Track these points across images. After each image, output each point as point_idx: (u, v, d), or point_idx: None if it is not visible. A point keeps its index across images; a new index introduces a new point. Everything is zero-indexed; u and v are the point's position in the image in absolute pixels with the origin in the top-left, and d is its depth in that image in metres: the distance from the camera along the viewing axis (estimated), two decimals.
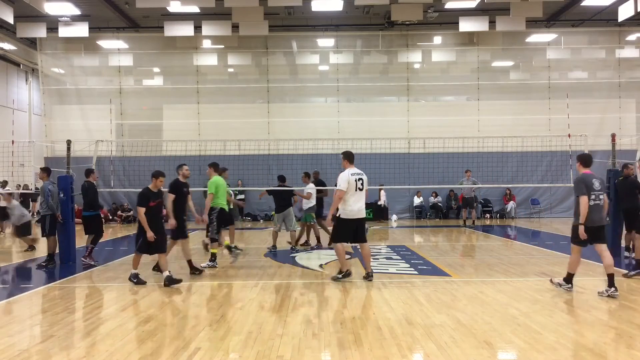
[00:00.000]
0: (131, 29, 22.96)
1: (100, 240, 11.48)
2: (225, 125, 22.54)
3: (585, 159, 8.11)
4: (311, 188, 13.26)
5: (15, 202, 14.17)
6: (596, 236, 7.71)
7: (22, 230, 13.45)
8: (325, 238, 12.93)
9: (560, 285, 8.02)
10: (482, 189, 20.96)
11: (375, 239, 15.41)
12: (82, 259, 10.90)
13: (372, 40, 23.57)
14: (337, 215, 8.83)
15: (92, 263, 10.82)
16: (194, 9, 18.57)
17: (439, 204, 22.92)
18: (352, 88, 23.80)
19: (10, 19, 17.53)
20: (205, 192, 11.06)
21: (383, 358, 5.08)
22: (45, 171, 11.22)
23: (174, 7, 17.86)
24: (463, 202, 19.82)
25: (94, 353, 5.31)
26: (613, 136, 12.36)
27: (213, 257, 10.56)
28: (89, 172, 11.46)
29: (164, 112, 24.01)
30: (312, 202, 13.24)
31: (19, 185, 21.06)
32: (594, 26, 23.06)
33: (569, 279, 7.94)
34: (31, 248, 13.42)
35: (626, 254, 10.88)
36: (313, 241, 13.64)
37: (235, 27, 19.46)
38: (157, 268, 9.78)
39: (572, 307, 6.99)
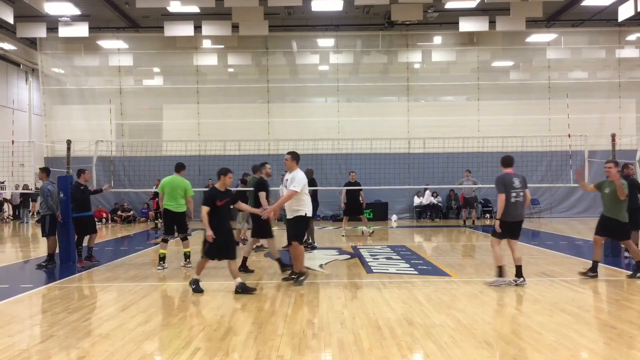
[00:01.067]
0: (131, 29, 22.96)
1: (95, 242, 11.47)
2: (225, 125, 22.53)
3: (505, 160, 8.64)
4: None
5: None
6: (512, 231, 8.44)
7: None
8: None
9: (497, 282, 8.31)
10: (482, 189, 20.95)
11: (375, 239, 15.41)
12: (79, 264, 10.74)
13: (372, 40, 23.57)
14: (304, 214, 8.66)
15: (92, 263, 10.81)
16: (194, 9, 18.57)
17: (439, 204, 22.90)
18: (352, 88, 23.79)
19: (10, 19, 17.53)
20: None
21: (383, 358, 5.08)
22: (45, 171, 11.22)
23: (174, 7, 17.86)
24: (464, 202, 19.82)
25: (94, 353, 5.31)
26: (613, 136, 12.36)
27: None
28: (80, 172, 11.22)
29: (164, 112, 24.00)
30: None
31: (17, 185, 21.07)
32: (594, 26, 23.05)
33: (500, 272, 8.34)
34: None
35: (626, 254, 10.86)
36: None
37: (235, 27, 19.46)
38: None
39: (572, 307, 6.98)
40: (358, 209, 15.70)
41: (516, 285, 8.18)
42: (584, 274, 8.89)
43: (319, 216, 22.08)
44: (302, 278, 8.68)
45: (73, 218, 10.94)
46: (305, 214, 8.63)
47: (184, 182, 10.51)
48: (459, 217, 22.73)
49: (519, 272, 8.30)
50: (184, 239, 10.82)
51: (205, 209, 7.92)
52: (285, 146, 20.90)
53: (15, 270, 11.16)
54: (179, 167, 10.71)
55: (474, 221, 19.53)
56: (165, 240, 10.45)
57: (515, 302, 7.31)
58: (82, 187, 10.97)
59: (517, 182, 8.35)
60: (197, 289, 8.11)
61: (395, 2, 18.09)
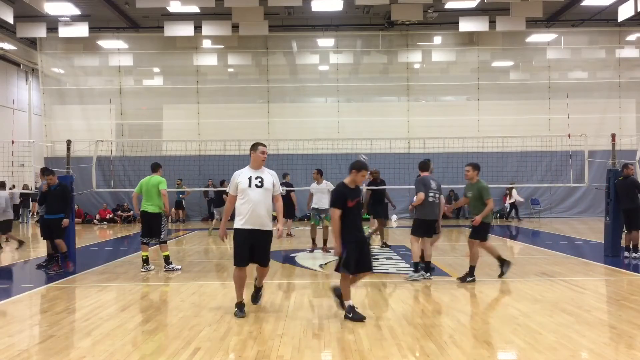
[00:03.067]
0: (131, 29, 22.96)
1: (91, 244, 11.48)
2: (225, 125, 22.52)
3: (421, 165, 9.19)
4: (314, 188, 12.56)
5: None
6: (428, 230, 9.07)
7: (3, 227, 13.35)
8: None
9: (417, 277, 8.79)
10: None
11: (375, 239, 15.40)
12: (49, 271, 10.10)
13: (372, 40, 23.57)
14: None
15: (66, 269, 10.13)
16: (194, 9, 18.56)
17: None
18: (352, 88, 23.79)
19: (10, 19, 17.52)
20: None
21: (383, 358, 5.08)
22: (45, 171, 11.20)
23: (174, 7, 17.86)
24: None
25: (94, 353, 5.31)
26: (613, 136, 12.36)
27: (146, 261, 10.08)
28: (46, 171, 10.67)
29: (164, 112, 24.00)
30: (316, 202, 12.42)
31: (14, 185, 21.06)
32: (594, 26, 23.04)
33: (416, 267, 8.92)
34: (19, 244, 13.44)
35: (626, 254, 10.88)
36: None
37: (235, 27, 19.45)
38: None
39: (572, 307, 6.98)
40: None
41: (424, 279, 8.81)
42: (460, 279, 8.76)
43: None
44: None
45: (47, 219, 10.32)
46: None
47: (157, 179, 9.97)
48: (459, 217, 22.76)
49: (427, 267, 8.97)
50: (162, 242, 10.04)
51: (336, 213, 6.34)
52: (285, 146, 20.99)
53: (15, 270, 11.16)
54: (155, 167, 10.22)
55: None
56: (145, 243, 10.06)
57: (515, 302, 7.31)
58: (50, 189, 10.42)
59: (433, 185, 8.94)
60: (356, 317, 6.30)
61: (395, 2, 18.09)
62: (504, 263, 8.97)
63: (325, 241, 12.38)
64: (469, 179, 8.99)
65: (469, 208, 9.44)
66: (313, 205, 12.41)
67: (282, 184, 16.32)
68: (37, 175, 19.89)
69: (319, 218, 12.38)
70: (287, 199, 14.45)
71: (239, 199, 6.65)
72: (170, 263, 10.06)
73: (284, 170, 17.67)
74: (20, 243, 13.48)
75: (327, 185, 12.34)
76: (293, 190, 15.36)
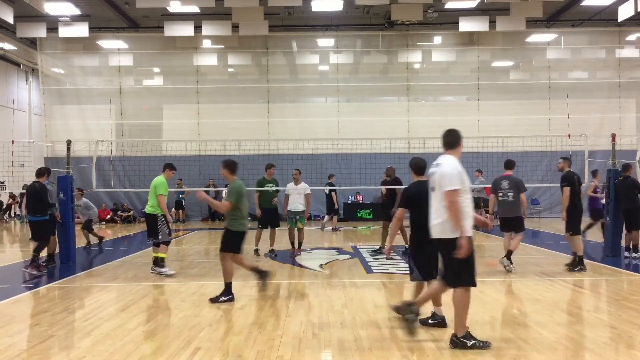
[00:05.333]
0: (131, 29, 22.95)
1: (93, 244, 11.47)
2: (225, 125, 22.51)
3: (506, 164, 9.93)
4: (292, 189, 12.06)
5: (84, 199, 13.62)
6: (503, 226, 10.03)
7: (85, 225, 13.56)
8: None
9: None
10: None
11: (375, 239, 15.40)
12: (24, 268, 10.06)
13: (372, 40, 23.56)
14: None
15: (36, 273, 9.81)
16: (194, 9, 18.55)
17: None
18: (352, 88, 23.78)
19: (10, 19, 17.52)
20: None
21: (383, 358, 5.08)
22: (45, 172, 11.20)
23: (174, 7, 17.85)
24: (474, 202, 19.86)
25: (94, 353, 5.31)
26: (613, 136, 12.36)
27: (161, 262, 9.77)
28: (42, 172, 10.64)
29: (164, 112, 23.99)
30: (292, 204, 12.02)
31: (4, 186, 21.09)
32: (594, 26, 23.03)
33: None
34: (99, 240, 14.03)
35: (626, 254, 10.88)
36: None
37: (235, 27, 19.44)
38: (157, 266, 9.71)
39: (572, 307, 6.98)
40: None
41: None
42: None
43: (318, 216, 22.09)
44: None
45: (33, 222, 10.23)
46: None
47: (158, 180, 9.60)
48: None
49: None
50: (156, 245, 9.67)
51: (400, 212, 6.22)
52: (285, 146, 20.97)
53: (15, 270, 11.16)
54: (163, 167, 9.88)
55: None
56: (155, 244, 9.77)
57: (515, 302, 7.31)
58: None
59: (504, 184, 9.25)
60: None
61: (395, 2, 18.08)
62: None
63: (300, 244, 12.12)
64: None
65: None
66: (289, 208, 11.93)
67: (326, 184, 17.61)
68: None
69: (295, 220, 11.91)
70: (329, 197, 17.78)
71: None
72: (163, 266, 9.57)
73: (284, 170, 17.69)
74: (100, 239, 14.15)
75: (304, 187, 11.98)
76: (334, 190, 17.77)
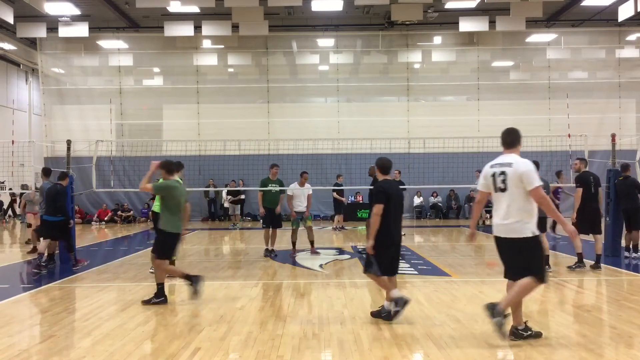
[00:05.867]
0: (131, 29, 22.95)
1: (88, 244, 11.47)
2: (225, 125, 22.52)
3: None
4: (297, 190, 11.99)
5: None
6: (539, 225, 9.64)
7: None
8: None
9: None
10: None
11: None
12: (75, 268, 10.43)
13: (372, 40, 23.56)
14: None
15: (37, 271, 9.96)
16: (194, 9, 18.56)
17: (439, 204, 22.93)
18: (352, 88, 23.78)
19: (10, 19, 17.51)
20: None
21: (383, 358, 5.08)
22: (44, 172, 11.21)
23: (174, 7, 17.84)
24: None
25: (94, 353, 5.31)
26: (613, 136, 12.36)
27: None
28: (64, 175, 10.91)
29: (164, 112, 24.00)
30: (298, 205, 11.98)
31: (3, 186, 21.10)
32: (594, 26, 23.04)
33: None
34: None
35: (626, 254, 10.87)
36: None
37: (235, 27, 19.44)
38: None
39: (572, 307, 6.98)
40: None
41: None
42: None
43: (318, 216, 22.11)
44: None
45: (49, 221, 10.43)
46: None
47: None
48: (459, 217, 22.76)
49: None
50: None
51: (378, 208, 6.26)
52: (285, 146, 20.98)
53: (15, 270, 11.16)
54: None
55: (484, 221, 19.58)
56: None
57: None
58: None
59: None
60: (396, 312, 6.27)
61: (395, 2, 18.08)
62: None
63: (312, 242, 12.13)
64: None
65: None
66: (295, 209, 11.83)
67: (334, 185, 17.59)
68: (37, 176, 19.88)
69: (299, 221, 11.90)
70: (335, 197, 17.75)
71: None
72: None
73: (284, 170, 17.67)
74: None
75: (308, 188, 11.98)
76: (338, 190, 17.67)
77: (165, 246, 7.55)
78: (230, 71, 24.72)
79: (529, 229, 5.35)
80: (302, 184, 11.91)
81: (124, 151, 22.73)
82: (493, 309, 5.38)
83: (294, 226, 11.90)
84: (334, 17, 21.72)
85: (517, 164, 5.42)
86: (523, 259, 5.39)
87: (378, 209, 6.22)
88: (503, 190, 5.44)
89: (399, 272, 9.78)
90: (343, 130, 22.59)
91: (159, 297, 7.42)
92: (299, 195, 11.89)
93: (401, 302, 6.28)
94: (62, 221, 10.49)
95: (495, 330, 5.39)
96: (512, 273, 5.58)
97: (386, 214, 6.23)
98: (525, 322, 5.56)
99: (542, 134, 21.18)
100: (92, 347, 5.50)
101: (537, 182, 5.33)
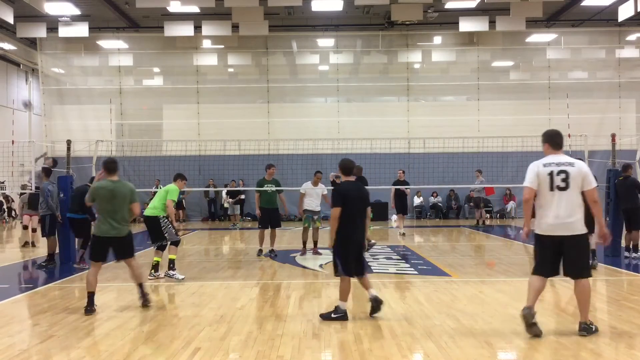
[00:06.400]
0: (131, 29, 22.95)
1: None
2: (225, 125, 22.53)
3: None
4: (310, 189, 11.98)
5: None
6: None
7: None
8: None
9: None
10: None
11: (375, 239, 15.39)
12: (75, 265, 10.62)
13: (372, 40, 23.56)
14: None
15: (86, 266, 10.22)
16: (194, 9, 18.56)
17: (439, 204, 22.93)
18: (352, 88, 23.79)
19: (10, 19, 17.52)
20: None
21: (383, 358, 5.08)
22: (45, 171, 11.21)
23: (174, 7, 17.85)
24: (474, 202, 20.00)
25: (94, 353, 5.31)
26: (613, 136, 12.36)
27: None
28: (92, 179, 10.86)
29: (164, 112, 24.00)
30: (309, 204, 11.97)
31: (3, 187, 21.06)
32: (594, 26, 23.04)
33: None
34: None
35: (626, 254, 10.87)
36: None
37: (235, 27, 19.45)
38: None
39: (572, 307, 6.97)
40: (404, 207, 16.34)
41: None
42: None
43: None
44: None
45: (76, 219, 10.67)
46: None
47: (172, 187, 9.50)
48: (459, 217, 22.77)
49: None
50: (160, 248, 9.53)
51: (334, 211, 6.41)
52: (285, 146, 20.98)
53: (15, 270, 11.16)
54: (176, 177, 9.78)
55: (484, 221, 19.60)
56: (159, 248, 9.60)
57: (515, 302, 7.30)
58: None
59: None
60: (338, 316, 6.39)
61: (395, 2, 18.09)
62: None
63: (316, 242, 12.09)
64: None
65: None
66: (308, 208, 11.83)
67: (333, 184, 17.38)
68: (37, 175, 19.84)
69: (313, 220, 11.91)
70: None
71: None
72: (173, 269, 9.29)
73: (284, 170, 17.69)
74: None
75: (322, 188, 11.97)
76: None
77: (90, 248, 7.43)
78: (230, 71, 24.73)
79: (584, 226, 5.67)
80: (315, 184, 11.90)
81: (124, 151, 22.72)
82: (586, 329, 5.66)
83: (306, 224, 11.87)
84: (334, 17, 21.73)
85: (579, 163, 5.71)
86: (577, 255, 5.66)
87: (334, 212, 6.37)
88: (563, 189, 5.57)
89: (399, 272, 9.83)
90: (343, 130, 22.59)
91: (90, 305, 6.93)
92: (312, 194, 11.92)
93: (341, 314, 6.39)
94: (85, 219, 10.63)
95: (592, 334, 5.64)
96: (566, 269, 5.77)
97: (345, 216, 6.36)
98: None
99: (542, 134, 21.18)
100: (92, 347, 5.50)
101: (595, 183, 5.63)
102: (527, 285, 5.89)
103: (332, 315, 6.39)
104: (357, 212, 6.45)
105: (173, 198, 9.40)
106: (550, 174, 5.61)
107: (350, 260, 6.45)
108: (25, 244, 14.00)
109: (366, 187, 7.65)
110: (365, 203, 6.65)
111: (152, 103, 23.96)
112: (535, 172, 5.71)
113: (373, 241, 12.43)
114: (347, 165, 6.73)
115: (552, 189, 5.59)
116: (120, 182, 7.23)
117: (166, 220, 9.39)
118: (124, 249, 7.38)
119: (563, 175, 5.55)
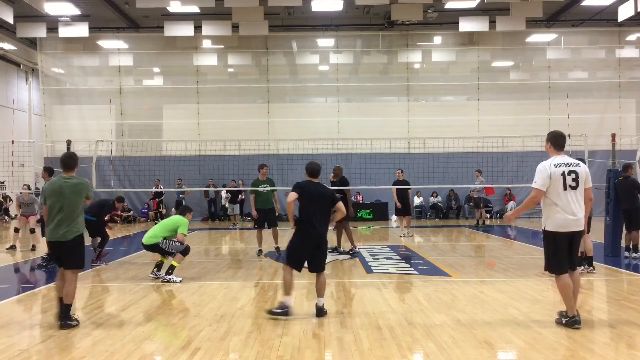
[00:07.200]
0: (131, 29, 22.96)
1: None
2: (225, 125, 22.53)
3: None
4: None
5: None
6: None
7: None
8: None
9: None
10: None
11: (375, 239, 15.40)
12: (92, 263, 10.79)
13: (372, 40, 23.57)
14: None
15: (102, 264, 11.01)
16: (194, 9, 18.57)
17: (439, 204, 22.92)
18: (352, 88, 23.79)
19: (10, 19, 17.52)
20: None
21: (383, 358, 5.08)
22: (47, 171, 11.20)
23: (174, 7, 17.86)
24: (474, 202, 20.00)
25: (94, 353, 5.31)
26: (613, 136, 12.35)
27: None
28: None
29: (164, 112, 24.01)
30: None
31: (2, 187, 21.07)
32: (594, 26, 23.04)
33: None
34: None
35: (626, 254, 10.88)
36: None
37: (235, 27, 19.46)
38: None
39: None
40: (406, 207, 15.78)
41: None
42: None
43: None
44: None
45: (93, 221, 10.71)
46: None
47: (182, 221, 9.35)
48: (459, 217, 22.76)
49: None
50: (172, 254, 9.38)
51: (290, 196, 6.67)
52: (285, 146, 20.99)
53: (15, 271, 11.16)
54: (185, 210, 9.76)
55: (484, 221, 19.59)
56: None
57: (515, 302, 7.30)
58: None
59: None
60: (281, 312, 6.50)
61: (395, 2, 18.08)
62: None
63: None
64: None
65: None
66: None
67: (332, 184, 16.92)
68: (37, 175, 19.89)
69: None
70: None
71: None
72: (171, 274, 9.11)
73: (284, 170, 17.69)
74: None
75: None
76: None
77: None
78: (230, 71, 24.73)
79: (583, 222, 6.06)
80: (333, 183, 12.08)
81: (124, 151, 22.74)
82: (573, 319, 5.91)
83: None
84: (334, 17, 21.73)
85: (582, 164, 6.12)
86: (577, 247, 6.16)
87: (289, 196, 6.65)
88: (574, 188, 5.92)
89: (399, 272, 9.83)
90: (343, 130, 22.59)
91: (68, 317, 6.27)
92: None
93: (284, 310, 6.51)
94: (95, 221, 10.85)
95: (574, 327, 5.87)
96: (572, 263, 6.06)
97: (303, 211, 6.67)
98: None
99: (542, 134, 21.14)
100: (92, 347, 5.50)
101: (591, 182, 6.08)
102: (558, 291, 6.06)
103: (274, 311, 6.51)
104: (315, 210, 6.63)
105: (184, 232, 9.26)
106: (563, 174, 5.91)
107: (301, 255, 6.65)
108: (11, 247, 13.71)
109: (354, 187, 7.66)
110: (326, 203, 6.79)
111: (152, 103, 23.97)
112: (547, 174, 5.94)
113: (353, 247, 12.20)
114: (312, 167, 7.02)
115: (565, 188, 5.89)
116: (75, 178, 6.51)
117: (165, 241, 9.20)
118: (66, 256, 6.34)
119: (574, 175, 5.90)
